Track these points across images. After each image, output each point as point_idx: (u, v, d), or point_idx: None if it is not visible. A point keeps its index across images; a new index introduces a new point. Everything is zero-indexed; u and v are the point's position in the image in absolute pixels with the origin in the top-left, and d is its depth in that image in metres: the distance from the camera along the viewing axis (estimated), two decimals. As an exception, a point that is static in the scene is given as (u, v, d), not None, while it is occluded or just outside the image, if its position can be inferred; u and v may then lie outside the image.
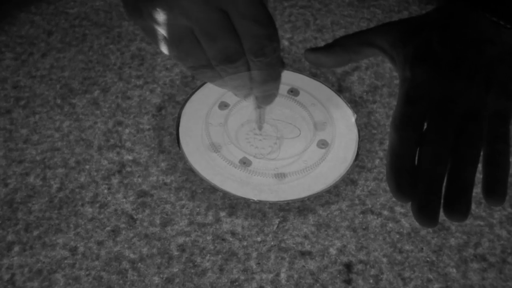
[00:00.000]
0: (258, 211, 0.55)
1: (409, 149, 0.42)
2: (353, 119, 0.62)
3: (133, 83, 0.66)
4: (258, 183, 0.56)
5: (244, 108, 0.62)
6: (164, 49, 0.45)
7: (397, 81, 0.67)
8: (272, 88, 0.50)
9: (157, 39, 0.45)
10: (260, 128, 0.60)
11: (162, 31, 0.43)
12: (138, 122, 0.62)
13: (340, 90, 0.67)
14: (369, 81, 0.67)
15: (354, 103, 0.65)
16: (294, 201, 0.55)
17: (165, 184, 0.56)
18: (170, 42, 0.44)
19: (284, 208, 0.55)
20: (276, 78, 0.48)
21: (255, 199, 0.54)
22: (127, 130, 0.61)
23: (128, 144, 0.60)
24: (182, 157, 0.58)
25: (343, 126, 0.62)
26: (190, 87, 0.65)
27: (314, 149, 0.59)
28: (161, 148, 0.59)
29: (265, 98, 0.51)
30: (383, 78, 0.68)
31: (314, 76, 0.67)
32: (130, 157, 0.58)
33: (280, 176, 0.56)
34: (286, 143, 0.60)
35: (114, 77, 0.66)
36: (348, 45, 0.50)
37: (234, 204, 0.55)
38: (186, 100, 0.63)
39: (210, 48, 0.43)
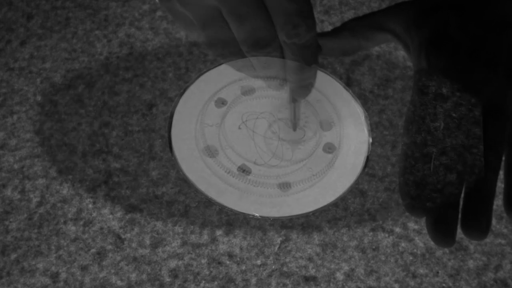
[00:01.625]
0: (258, 228, 0.50)
1: (423, 155, 0.38)
2: (362, 118, 0.55)
3: (121, 76, 0.60)
4: (259, 195, 0.50)
5: (243, 105, 0.56)
6: (192, 34, 0.42)
7: (411, 72, 0.60)
8: (309, 77, 0.46)
9: (184, 23, 0.41)
10: (295, 127, 0.54)
11: (189, 13, 0.39)
12: (127, 123, 0.56)
13: (348, 83, 0.61)
14: (381, 73, 0.61)
15: (364, 99, 0.59)
16: (298, 216, 0.50)
17: (156, 197, 0.51)
18: (197, 25, 0.40)
19: (287, 225, 0.50)
20: (313, 64, 0.44)
21: (256, 215, 0.49)
22: (114, 133, 0.55)
23: (115, 149, 0.54)
24: (174, 164, 0.52)
25: (351, 127, 0.55)
26: (184, 80, 0.59)
27: (320, 154, 0.54)
28: (151, 153, 0.54)
29: (301, 90, 0.47)
30: (396, 69, 0.62)
31: (320, 67, 0.60)
32: (117, 165, 0.53)
33: (284, 186, 0.51)
34: (289, 147, 0.54)
35: (100, 69, 0.60)
36: (357, 30, 0.46)
37: (231, 221, 0.50)
38: (179, 97, 0.57)
39: (239, 31, 0.39)
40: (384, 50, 0.64)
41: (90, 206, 0.51)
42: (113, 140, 0.55)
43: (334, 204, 0.51)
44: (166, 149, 0.54)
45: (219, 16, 0.39)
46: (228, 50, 0.42)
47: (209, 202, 0.51)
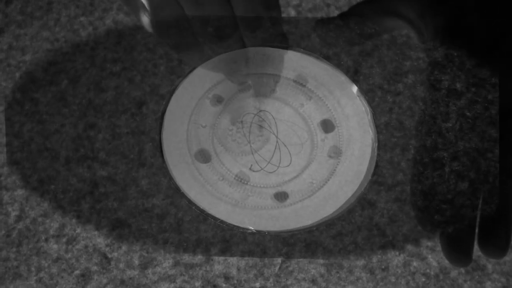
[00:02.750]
0: (257, 245, 0.46)
1: (433, 161, 0.37)
2: (368, 117, 0.50)
3: (108, 70, 0.54)
4: (254, 206, 0.46)
5: (240, 103, 0.51)
6: (144, 22, 0.38)
7: (424, 65, 0.55)
8: (273, 71, 0.43)
9: (135, 8, 0.37)
10: (259, 127, 0.50)
11: None
12: (114, 124, 0.51)
13: (356, 76, 0.55)
14: (392, 65, 0.56)
15: (372, 95, 0.54)
16: (299, 230, 0.45)
17: (146, 210, 0.47)
18: (150, 12, 0.36)
19: (288, 242, 0.46)
20: (276, 59, 0.41)
21: (251, 228, 0.44)
22: (100, 136, 0.51)
23: (101, 154, 0.49)
24: (166, 172, 0.48)
25: (357, 127, 0.50)
26: (177, 75, 0.54)
27: (321, 159, 0.49)
28: (141, 159, 0.49)
29: (263, 86, 0.44)
30: (407, 60, 0.56)
31: (326, 58, 0.55)
32: (104, 173, 0.48)
33: (281, 196, 0.47)
34: (287, 151, 0.50)
35: (85, 62, 0.55)
36: (366, 15, 0.43)
37: (228, 237, 0.46)
38: (171, 93, 0.52)
39: (196, 20, 0.37)
40: (395, 38, 0.58)
41: (74, 220, 0.46)
42: (99, 144, 0.50)
43: (339, 218, 0.47)
44: (157, 154, 0.50)
45: (174, 1, 0.36)
46: (184, 41, 0.38)
47: (203, 215, 0.46)
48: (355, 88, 0.51)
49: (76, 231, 0.46)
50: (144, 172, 0.49)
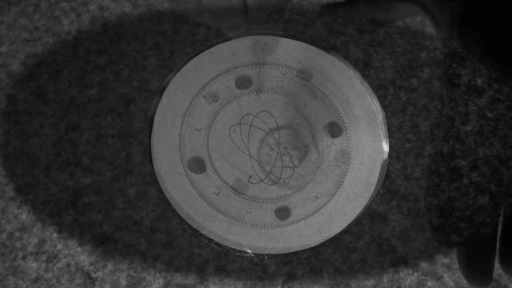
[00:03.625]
0: (256, 264, 0.42)
1: (450, 171, 0.34)
2: (380, 119, 0.46)
3: (93, 63, 0.49)
4: (254, 224, 0.42)
5: (238, 102, 0.46)
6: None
7: (441, 56, 0.50)
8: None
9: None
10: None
11: None
12: (99, 124, 0.47)
13: (365, 70, 0.50)
14: (404, 57, 0.51)
15: (384, 92, 0.49)
16: (299, 253, 0.41)
17: (134, 223, 0.43)
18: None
19: (291, 260, 0.42)
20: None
21: (249, 251, 0.40)
22: (84, 138, 0.46)
23: (85, 159, 0.45)
24: (155, 182, 0.43)
25: (367, 131, 0.46)
26: (168, 68, 0.49)
27: (327, 168, 0.44)
28: (128, 165, 0.45)
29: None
30: (423, 51, 0.51)
31: (333, 49, 0.50)
32: (87, 181, 0.44)
33: (282, 213, 0.42)
34: (290, 158, 0.45)
35: (67, 54, 0.50)
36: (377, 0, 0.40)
37: (224, 253, 0.42)
38: (161, 90, 0.47)
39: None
40: (409, 25, 0.53)
41: (55, 235, 0.42)
42: (83, 147, 0.46)
43: (346, 230, 0.43)
44: (146, 159, 0.45)
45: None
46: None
47: (197, 230, 0.42)
48: (365, 84, 0.46)
49: (57, 248, 0.42)
50: (132, 180, 0.44)
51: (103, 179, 0.44)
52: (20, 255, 0.42)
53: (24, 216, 0.43)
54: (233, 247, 0.40)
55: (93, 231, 0.43)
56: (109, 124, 0.47)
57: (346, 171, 0.44)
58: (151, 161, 0.43)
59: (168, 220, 0.43)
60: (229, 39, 0.45)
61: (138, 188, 0.44)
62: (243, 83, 0.45)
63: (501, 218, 0.34)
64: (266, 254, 0.40)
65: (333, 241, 0.41)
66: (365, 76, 0.48)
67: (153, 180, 0.44)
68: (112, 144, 0.46)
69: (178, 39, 0.51)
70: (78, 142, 0.46)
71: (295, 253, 0.40)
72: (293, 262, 0.42)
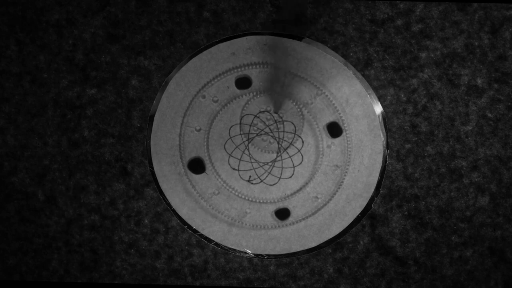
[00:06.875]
0: (256, 264, 0.42)
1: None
2: (380, 119, 0.46)
3: (93, 62, 0.50)
4: (254, 225, 0.42)
5: (237, 102, 0.47)
6: None
7: (446, 50, 0.50)
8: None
9: None
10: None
11: None
12: (99, 124, 0.47)
13: (365, 70, 0.50)
14: (406, 58, 0.51)
15: (384, 92, 0.49)
16: (299, 254, 0.42)
17: (134, 223, 0.43)
18: None
19: (291, 261, 0.42)
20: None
21: (249, 251, 0.41)
22: (84, 138, 0.46)
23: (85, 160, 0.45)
24: (156, 180, 0.44)
25: (367, 131, 0.46)
26: (168, 68, 0.50)
27: (328, 168, 0.45)
28: (128, 165, 0.45)
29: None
30: (423, 51, 0.51)
31: (333, 49, 0.50)
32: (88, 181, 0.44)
33: (282, 214, 0.43)
34: (290, 159, 0.45)
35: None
36: None
37: (224, 254, 0.42)
38: (162, 90, 0.47)
39: None
40: (409, 26, 0.53)
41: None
42: (83, 147, 0.46)
43: (345, 231, 0.43)
44: (145, 159, 0.45)
45: None
46: None
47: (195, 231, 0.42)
48: (365, 84, 0.47)
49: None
50: (132, 180, 0.44)
51: (103, 179, 0.45)
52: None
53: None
54: (233, 247, 0.41)
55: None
56: (109, 124, 0.47)
57: (346, 171, 0.44)
58: (151, 161, 0.43)
59: (168, 220, 0.43)
60: (229, 39, 0.45)
61: (138, 188, 0.44)
62: (243, 83, 0.46)
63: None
64: (266, 255, 0.41)
65: (333, 241, 0.41)
66: (365, 76, 0.49)
67: (153, 180, 0.44)
68: (112, 144, 0.46)
69: (178, 39, 0.51)
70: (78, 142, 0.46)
71: (295, 254, 0.41)
72: (293, 263, 0.42)
